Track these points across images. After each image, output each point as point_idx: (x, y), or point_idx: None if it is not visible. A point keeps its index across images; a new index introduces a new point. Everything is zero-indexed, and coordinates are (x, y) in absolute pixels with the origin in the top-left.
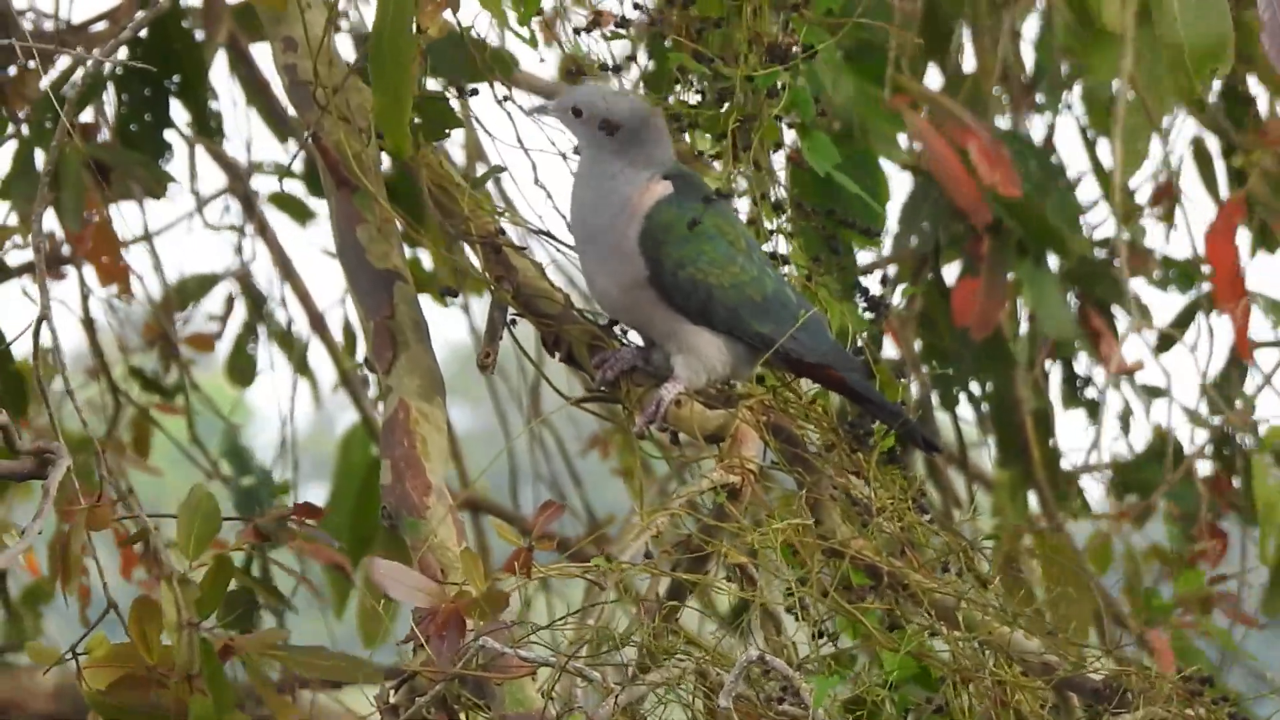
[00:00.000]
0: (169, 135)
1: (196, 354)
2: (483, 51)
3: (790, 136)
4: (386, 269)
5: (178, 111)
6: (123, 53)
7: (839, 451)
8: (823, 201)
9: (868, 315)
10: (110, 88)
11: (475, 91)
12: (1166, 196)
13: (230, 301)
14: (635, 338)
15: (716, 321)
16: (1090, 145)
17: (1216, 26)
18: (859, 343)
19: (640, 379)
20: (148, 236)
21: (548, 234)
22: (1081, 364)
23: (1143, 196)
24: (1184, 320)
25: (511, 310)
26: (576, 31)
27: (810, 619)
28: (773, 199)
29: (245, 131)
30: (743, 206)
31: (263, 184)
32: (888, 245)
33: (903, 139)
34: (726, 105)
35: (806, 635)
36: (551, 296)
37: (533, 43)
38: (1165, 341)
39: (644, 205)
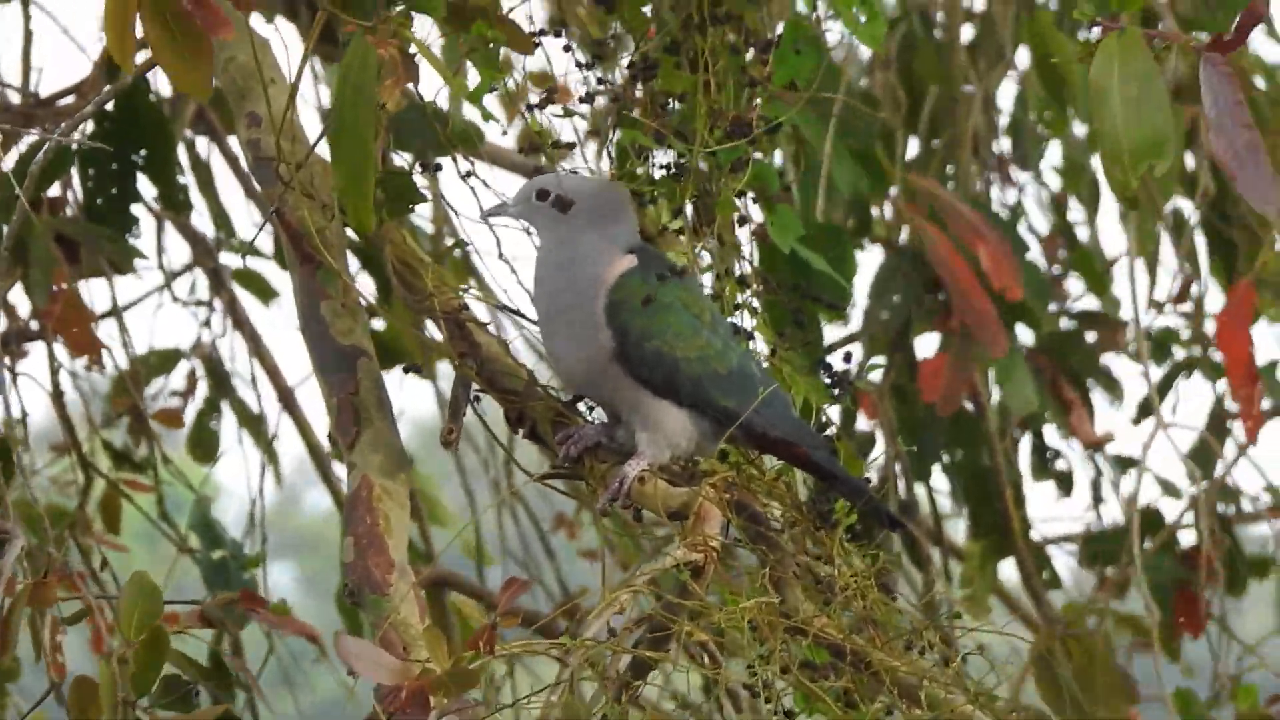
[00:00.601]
0: (136, 210)
1: (165, 430)
2: (445, 125)
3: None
4: (350, 345)
5: (145, 186)
6: (90, 127)
7: (802, 529)
8: (789, 276)
9: (833, 391)
10: (77, 162)
11: (439, 167)
12: (1187, 289)
13: (193, 377)
14: (600, 414)
15: (681, 395)
16: (1062, 214)
17: (1157, 123)
18: (824, 418)
19: (604, 455)
20: (116, 312)
21: (512, 310)
22: (1053, 435)
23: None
24: (1162, 389)
25: (475, 386)
26: (530, 108)
27: (772, 696)
28: (737, 273)
29: (214, 206)
30: (708, 280)
31: (232, 259)
32: (859, 319)
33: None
34: (683, 180)
35: (767, 713)
36: (515, 373)
37: (487, 116)
38: (1142, 411)
39: (609, 279)
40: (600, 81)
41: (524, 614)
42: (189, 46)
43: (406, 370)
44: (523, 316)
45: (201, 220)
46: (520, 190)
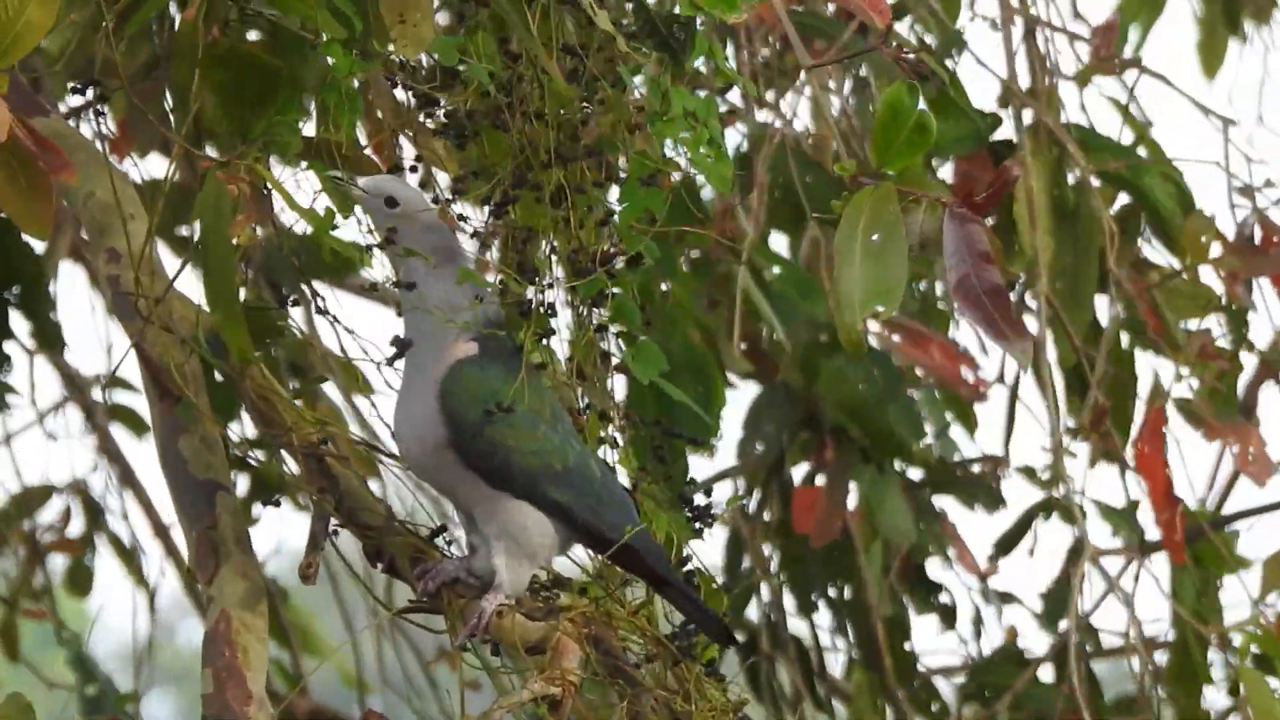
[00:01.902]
0: (10, 346)
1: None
2: (306, 257)
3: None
4: (208, 479)
5: (18, 322)
6: None
7: (661, 664)
8: (653, 409)
9: (694, 525)
10: None
11: (296, 302)
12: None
13: (67, 513)
14: (458, 549)
15: (516, 487)
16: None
17: (891, 268)
18: (684, 551)
19: (463, 590)
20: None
21: (370, 445)
22: (935, 568)
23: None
24: (1023, 525)
25: (334, 521)
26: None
27: None
28: (599, 409)
29: (97, 339)
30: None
31: (109, 394)
32: (730, 452)
33: None
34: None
35: None
36: (374, 508)
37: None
38: (1004, 546)
39: (444, 363)
40: (460, 218)
41: None
42: (31, 187)
43: (266, 504)
44: (382, 452)
45: (82, 355)
46: (371, 189)
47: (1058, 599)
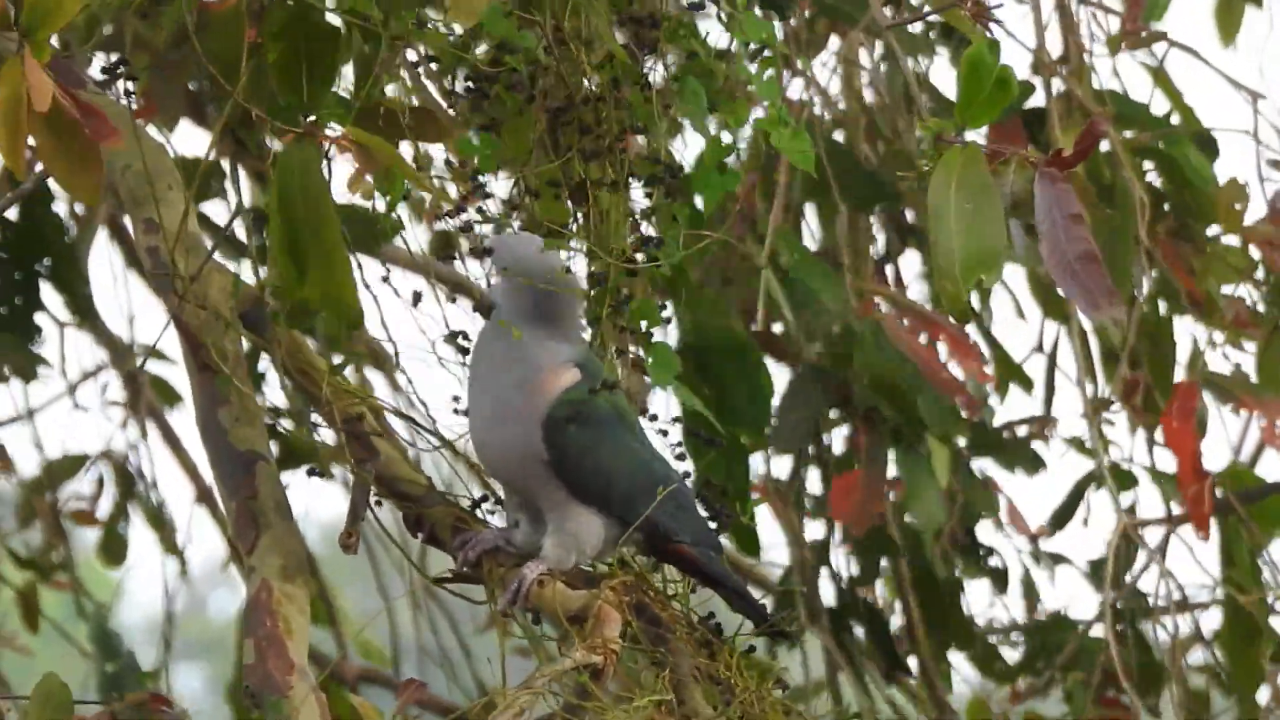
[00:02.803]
0: (41, 318)
1: (76, 533)
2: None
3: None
4: (247, 450)
5: (50, 293)
6: None
7: (699, 635)
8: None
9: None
10: None
11: None
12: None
13: (100, 482)
14: (497, 520)
15: (613, 507)
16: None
17: (989, 236)
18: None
19: (503, 559)
20: (29, 414)
21: (409, 418)
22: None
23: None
24: (1075, 496)
25: (374, 491)
26: (437, 216)
27: None
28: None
29: (128, 308)
30: None
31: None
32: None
33: None
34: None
35: None
36: (414, 479)
37: (398, 226)
38: (1058, 520)
39: (551, 392)
40: (480, 212)
41: (442, 708)
42: (78, 155)
43: (309, 474)
44: (420, 425)
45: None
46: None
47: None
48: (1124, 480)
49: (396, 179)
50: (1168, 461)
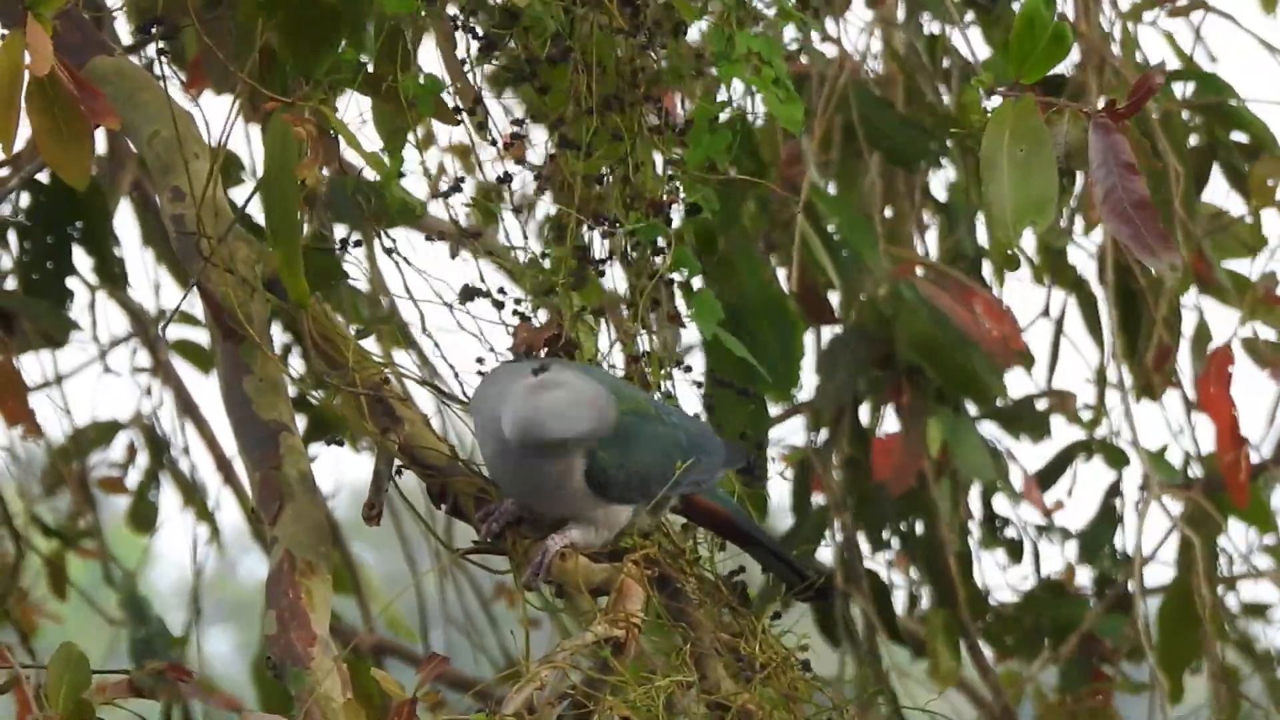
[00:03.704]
0: (73, 282)
1: (104, 500)
2: (372, 200)
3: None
4: (272, 419)
5: (81, 258)
6: (25, 199)
7: (722, 605)
8: (726, 359)
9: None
10: (12, 235)
11: (359, 243)
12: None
13: (132, 448)
14: None
15: (652, 494)
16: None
17: (1042, 183)
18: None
19: (526, 531)
20: (57, 380)
21: (434, 386)
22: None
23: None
24: (1062, 462)
25: (397, 461)
26: (441, 195)
27: None
28: (658, 357)
29: (153, 277)
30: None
31: (171, 330)
32: (808, 394)
33: None
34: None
35: None
36: (437, 449)
37: (401, 200)
38: (1043, 481)
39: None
40: (518, 162)
41: (468, 682)
42: (71, 134)
43: (329, 443)
44: (444, 394)
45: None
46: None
47: (1096, 536)
48: (1115, 458)
49: (394, 156)
50: (1158, 435)
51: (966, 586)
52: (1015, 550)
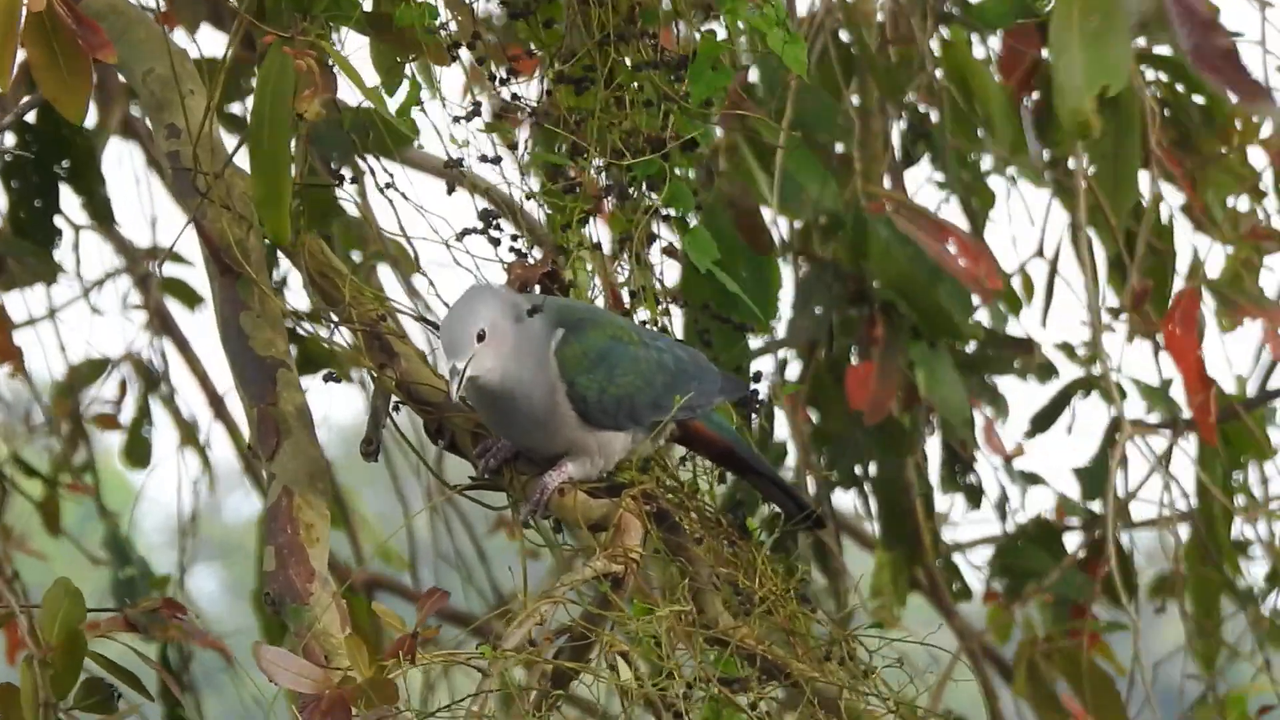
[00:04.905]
0: (60, 221)
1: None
2: (365, 136)
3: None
4: (269, 356)
5: (68, 197)
6: (10, 139)
7: (721, 539)
8: (707, 293)
9: (743, 411)
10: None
11: (355, 180)
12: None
13: (124, 386)
14: None
15: (641, 421)
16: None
17: (1114, 50)
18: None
19: (524, 467)
20: (50, 315)
21: (431, 322)
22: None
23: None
24: (1059, 403)
25: (395, 398)
26: (456, 120)
27: (686, 708)
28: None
29: (146, 212)
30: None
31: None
32: (782, 330)
33: None
34: (579, 195)
35: None
36: (434, 385)
37: (414, 131)
38: (1037, 427)
39: (552, 361)
40: (515, 97)
41: (459, 616)
42: (70, 68)
43: (326, 379)
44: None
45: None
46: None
47: (1094, 476)
48: (1113, 391)
49: (412, 84)
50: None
51: (929, 528)
52: (974, 495)
